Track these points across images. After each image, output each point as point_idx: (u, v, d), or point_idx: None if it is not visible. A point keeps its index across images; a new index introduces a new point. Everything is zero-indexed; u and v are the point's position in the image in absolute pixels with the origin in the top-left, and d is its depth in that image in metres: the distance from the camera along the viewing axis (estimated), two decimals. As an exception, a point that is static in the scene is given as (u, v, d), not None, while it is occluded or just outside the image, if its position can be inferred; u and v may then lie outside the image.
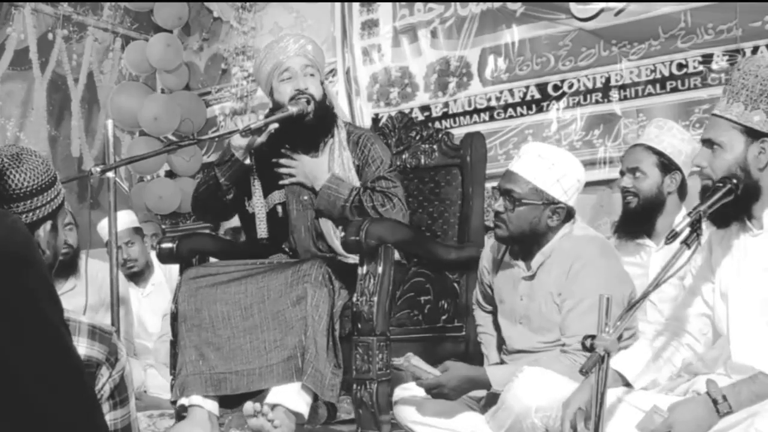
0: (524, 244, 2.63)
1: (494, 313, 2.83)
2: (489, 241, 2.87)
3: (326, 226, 2.96)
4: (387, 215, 2.86)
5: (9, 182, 1.67)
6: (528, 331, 2.61)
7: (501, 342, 2.78)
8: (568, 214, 2.59)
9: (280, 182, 3.00)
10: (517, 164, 2.59)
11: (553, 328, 2.54)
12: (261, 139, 2.91)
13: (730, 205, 2.04)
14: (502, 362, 2.74)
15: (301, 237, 3.01)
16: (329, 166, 2.97)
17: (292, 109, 2.90)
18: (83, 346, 1.69)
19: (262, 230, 3.02)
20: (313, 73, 2.99)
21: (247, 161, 2.97)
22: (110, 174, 3.03)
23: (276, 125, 2.91)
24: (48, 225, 1.75)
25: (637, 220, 2.98)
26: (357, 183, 2.97)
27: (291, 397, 2.63)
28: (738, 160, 2.03)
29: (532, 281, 2.61)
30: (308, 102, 2.93)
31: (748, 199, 2.05)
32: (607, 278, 2.47)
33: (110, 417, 1.74)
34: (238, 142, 2.92)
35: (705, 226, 2.08)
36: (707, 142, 2.08)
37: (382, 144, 3.12)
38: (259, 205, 3.03)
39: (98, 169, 2.85)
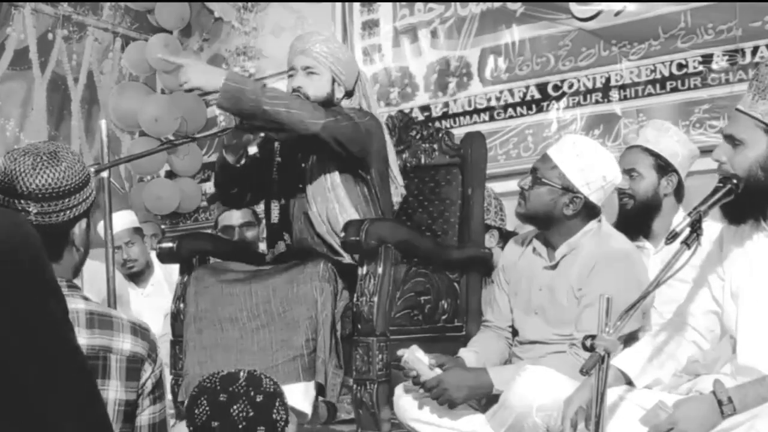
0: (539, 227, 2.66)
1: (495, 328, 2.84)
2: (507, 246, 2.88)
3: (318, 222, 2.94)
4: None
5: (48, 180, 1.68)
6: (543, 323, 2.62)
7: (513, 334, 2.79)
8: (591, 211, 2.60)
9: None
10: (552, 147, 2.65)
11: (570, 321, 2.55)
12: (256, 139, 2.93)
13: (745, 202, 2.02)
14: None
15: (299, 229, 3.01)
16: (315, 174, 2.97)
17: None
18: (129, 343, 1.72)
19: (274, 216, 3.05)
20: (316, 72, 2.94)
21: (242, 162, 2.97)
22: (104, 174, 3.03)
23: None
24: (83, 223, 1.77)
25: (633, 222, 2.98)
26: (340, 189, 2.95)
27: (297, 396, 2.63)
28: (759, 158, 2.00)
29: (553, 272, 2.62)
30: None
31: (764, 199, 2.04)
32: (628, 283, 2.47)
33: (150, 411, 1.77)
34: (231, 140, 2.96)
35: (718, 221, 2.08)
36: (728, 138, 2.05)
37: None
38: (273, 191, 3.07)
39: (92, 169, 2.85)
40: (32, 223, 1.65)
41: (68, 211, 1.71)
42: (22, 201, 1.67)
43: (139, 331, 1.76)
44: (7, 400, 1.28)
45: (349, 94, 3.03)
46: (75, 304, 1.70)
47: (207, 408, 1.76)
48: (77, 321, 1.68)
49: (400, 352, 2.56)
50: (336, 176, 2.92)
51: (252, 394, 1.76)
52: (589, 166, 2.55)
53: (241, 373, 1.81)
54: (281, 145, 3.03)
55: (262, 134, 2.92)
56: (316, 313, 2.64)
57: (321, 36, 3.07)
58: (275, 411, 1.78)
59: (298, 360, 2.64)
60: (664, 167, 2.97)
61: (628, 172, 2.98)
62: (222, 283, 2.83)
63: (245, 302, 2.77)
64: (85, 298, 1.75)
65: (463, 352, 2.71)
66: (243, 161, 2.98)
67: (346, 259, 2.86)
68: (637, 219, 2.98)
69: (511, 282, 2.77)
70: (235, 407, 1.75)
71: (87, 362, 1.48)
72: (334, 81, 2.97)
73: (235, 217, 4.20)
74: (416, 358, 2.53)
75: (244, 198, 3.18)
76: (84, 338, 1.67)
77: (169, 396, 3.10)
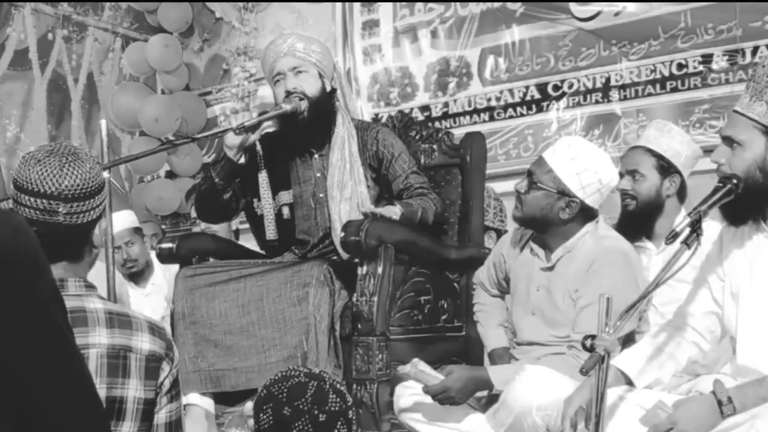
0: (537, 230, 2.65)
1: (498, 297, 2.88)
2: (510, 232, 2.89)
3: (336, 225, 2.95)
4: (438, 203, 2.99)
5: (76, 180, 1.69)
6: (541, 323, 2.61)
7: (511, 332, 2.79)
8: (588, 213, 2.59)
9: None
10: (548, 150, 2.62)
11: (567, 323, 2.54)
12: (254, 137, 2.91)
13: (744, 203, 2.02)
14: (506, 349, 2.76)
15: (316, 234, 3.01)
16: (333, 164, 2.97)
17: (286, 107, 2.90)
18: (147, 342, 1.73)
19: (270, 231, 3.02)
20: (304, 70, 2.96)
21: (241, 160, 2.96)
22: (105, 174, 3.03)
23: (272, 125, 2.92)
24: (103, 223, 1.79)
25: (636, 223, 2.97)
26: (360, 175, 2.96)
27: None
28: (757, 159, 2.00)
29: (549, 273, 2.61)
30: (301, 99, 2.92)
31: (764, 200, 2.03)
32: (625, 282, 2.46)
33: (167, 409, 1.78)
34: (232, 140, 2.90)
35: (718, 221, 2.08)
36: (727, 140, 2.05)
37: (394, 135, 3.14)
38: (267, 206, 3.02)
39: (94, 168, 2.84)
40: (60, 223, 1.67)
41: (92, 211, 1.73)
42: (52, 202, 1.67)
43: (157, 330, 1.76)
44: (7, 400, 1.28)
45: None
46: (93, 304, 1.71)
47: (270, 418, 1.81)
48: (97, 320, 1.69)
49: (401, 369, 2.56)
50: (366, 198, 2.96)
51: (315, 412, 1.81)
52: (585, 169, 2.54)
53: (310, 385, 1.84)
54: (271, 156, 3.03)
55: (264, 129, 2.92)
56: (309, 315, 2.64)
57: (296, 35, 3.10)
58: (336, 431, 1.83)
59: (292, 360, 2.64)
60: (666, 168, 2.96)
61: (631, 173, 2.97)
62: (214, 281, 2.83)
63: (237, 299, 2.77)
64: (101, 298, 1.76)
65: (495, 340, 2.79)
66: (242, 160, 2.98)
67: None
68: (639, 220, 2.97)
69: (511, 277, 2.77)
70: (296, 424, 1.79)
71: (85, 362, 1.48)
72: (320, 76, 2.99)
73: None
74: (419, 371, 2.53)
75: (231, 207, 3.09)
76: (105, 337, 1.68)
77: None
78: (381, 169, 3.02)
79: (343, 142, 2.97)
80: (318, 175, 3.01)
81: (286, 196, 3.03)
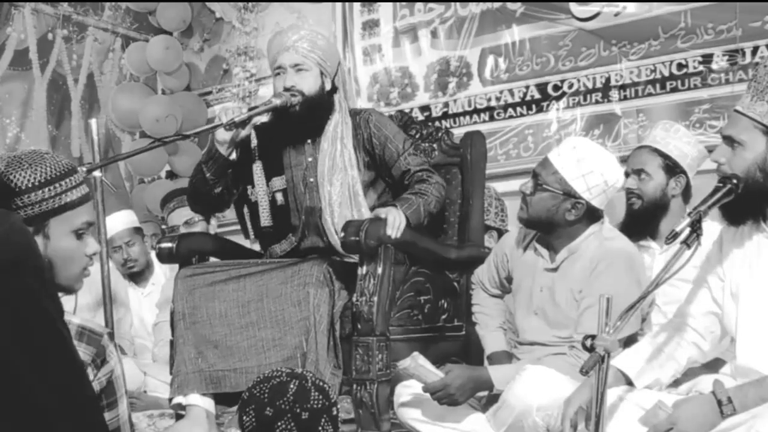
0: (542, 232, 2.66)
1: (498, 296, 2.88)
2: (513, 231, 2.90)
3: (326, 210, 2.94)
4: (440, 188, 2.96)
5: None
6: (544, 324, 2.62)
7: (511, 332, 2.80)
8: (593, 214, 2.59)
9: None
10: (553, 152, 2.63)
11: (570, 324, 2.55)
12: (245, 132, 2.90)
13: (744, 203, 2.02)
14: (505, 353, 2.76)
15: (308, 219, 3.00)
16: (324, 149, 2.97)
17: (275, 102, 2.88)
18: None
19: (265, 218, 3.01)
20: (305, 68, 2.94)
21: (233, 156, 2.95)
22: (97, 173, 3.02)
23: (264, 117, 2.91)
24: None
25: (641, 222, 2.97)
26: (352, 160, 2.96)
27: None
28: (757, 159, 2.00)
29: (554, 274, 2.62)
30: (293, 96, 2.91)
31: (764, 200, 2.03)
32: (628, 284, 2.47)
33: None
34: (222, 136, 2.89)
35: (718, 221, 2.08)
36: (727, 139, 2.05)
37: (385, 117, 3.13)
38: (261, 192, 3.02)
39: (84, 168, 2.84)
40: None
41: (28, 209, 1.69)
42: None
43: (86, 335, 1.72)
44: (8, 399, 1.28)
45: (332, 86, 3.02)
46: None
47: (253, 419, 1.81)
48: None
49: (401, 363, 2.56)
50: (357, 182, 2.94)
51: (297, 410, 1.81)
52: (590, 171, 2.54)
53: (291, 384, 1.84)
54: (266, 146, 3.02)
55: (256, 122, 2.91)
56: (309, 315, 2.64)
57: (303, 30, 3.05)
58: (320, 428, 1.81)
59: (292, 361, 2.64)
60: (672, 168, 2.97)
61: (637, 172, 2.98)
62: (214, 281, 2.83)
63: (237, 299, 2.77)
64: None
65: (494, 344, 2.79)
66: (234, 156, 2.97)
67: (348, 258, 2.86)
68: (644, 219, 2.98)
69: (514, 276, 2.77)
70: (279, 423, 1.78)
71: (82, 362, 1.48)
72: (321, 74, 2.98)
73: (183, 215, 4.20)
74: (418, 365, 2.53)
75: (224, 200, 3.07)
76: None
77: (166, 395, 3.10)
78: (375, 154, 3.02)
79: (336, 127, 2.97)
80: (309, 159, 3.00)
81: (278, 182, 3.02)
